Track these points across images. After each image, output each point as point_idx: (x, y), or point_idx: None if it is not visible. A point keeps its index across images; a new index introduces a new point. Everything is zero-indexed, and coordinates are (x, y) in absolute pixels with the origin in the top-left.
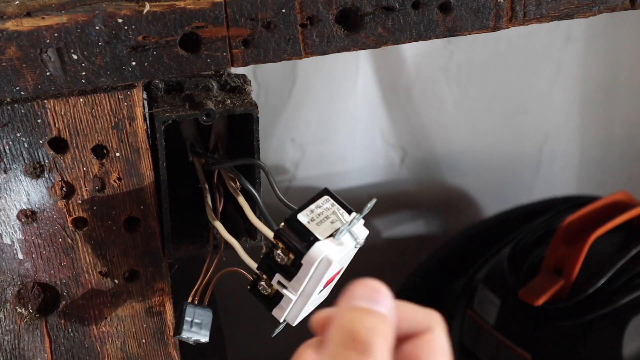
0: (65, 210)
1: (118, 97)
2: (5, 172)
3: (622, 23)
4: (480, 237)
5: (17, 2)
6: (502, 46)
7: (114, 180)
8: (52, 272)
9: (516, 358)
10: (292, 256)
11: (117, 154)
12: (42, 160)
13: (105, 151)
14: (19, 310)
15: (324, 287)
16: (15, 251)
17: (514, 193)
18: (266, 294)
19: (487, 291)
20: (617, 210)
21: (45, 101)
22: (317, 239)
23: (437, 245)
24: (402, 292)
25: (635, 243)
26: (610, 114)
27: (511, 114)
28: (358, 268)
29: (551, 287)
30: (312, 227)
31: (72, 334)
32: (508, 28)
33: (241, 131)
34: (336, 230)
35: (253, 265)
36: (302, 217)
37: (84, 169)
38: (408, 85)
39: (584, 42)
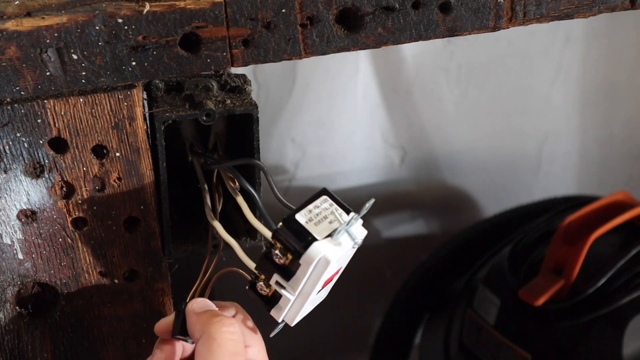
0: (65, 210)
1: (118, 97)
2: (5, 172)
3: (622, 23)
4: (480, 237)
5: (17, 2)
6: (502, 46)
7: (114, 180)
8: (52, 272)
9: (516, 358)
10: (290, 256)
11: (117, 154)
12: (42, 160)
13: (105, 151)
14: (19, 310)
15: (323, 287)
16: (15, 251)
17: (514, 193)
18: (264, 294)
19: (487, 291)
20: (617, 210)
21: (45, 101)
22: (315, 239)
23: (437, 245)
24: (402, 292)
25: (635, 243)
26: (610, 114)
27: (511, 114)
28: (358, 268)
29: (551, 287)
30: (310, 227)
31: (72, 334)
32: (508, 28)
33: (241, 131)
34: (334, 231)
35: (251, 265)
36: (300, 217)
37: (84, 169)
38: (408, 85)
39: (584, 42)
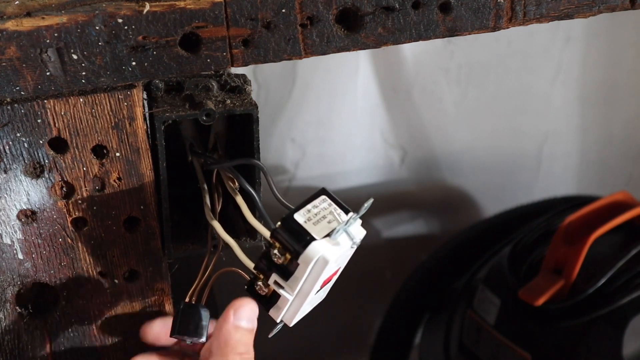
0: (65, 210)
1: (118, 97)
2: (5, 172)
3: (622, 23)
4: (480, 237)
5: (17, 2)
6: (502, 46)
7: (114, 180)
8: (52, 272)
9: (516, 358)
10: (288, 256)
11: (117, 154)
12: (42, 160)
13: (105, 151)
14: (19, 310)
15: (321, 287)
16: (15, 251)
17: (514, 193)
18: (263, 294)
19: (487, 291)
20: (617, 210)
21: (45, 101)
22: (313, 239)
23: (437, 245)
24: (402, 292)
25: (635, 243)
26: (610, 114)
27: (511, 114)
28: (358, 268)
29: (551, 287)
30: (308, 227)
31: (72, 334)
32: (508, 28)
33: (241, 131)
34: (333, 230)
35: (250, 265)
36: (299, 216)
37: (84, 169)
38: (408, 85)
39: (584, 42)
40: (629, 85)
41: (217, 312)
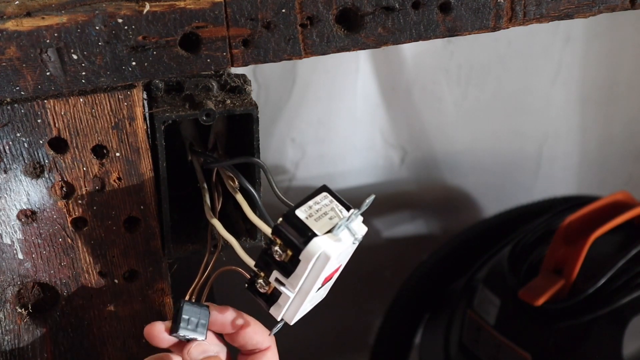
0: (65, 210)
1: (118, 97)
2: (5, 172)
3: (622, 23)
4: (480, 237)
5: (17, 2)
6: (502, 46)
7: (114, 180)
8: (52, 272)
9: (516, 358)
10: (289, 252)
11: (117, 154)
12: (42, 160)
13: (105, 151)
14: (19, 310)
15: (322, 284)
16: (15, 251)
17: (514, 193)
18: (264, 291)
19: (487, 291)
20: (617, 210)
21: (45, 101)
22: (315, 235)
23: (437, 245)
24: (402, 292)
25: (635, 243)
26: (610, 114)
27: (511, 114)
28: (358, 268)
29: (551, 287)
30: (310, 223)
31: (72, 334)
32: (508, 28)
33: (241, 131)
34: (334, 226)
35: (251, 263)
36: (300, 212)
37: (84, 169)
38: (408, 85)
39: (584, 42)
40: (629, 85)
41: None
